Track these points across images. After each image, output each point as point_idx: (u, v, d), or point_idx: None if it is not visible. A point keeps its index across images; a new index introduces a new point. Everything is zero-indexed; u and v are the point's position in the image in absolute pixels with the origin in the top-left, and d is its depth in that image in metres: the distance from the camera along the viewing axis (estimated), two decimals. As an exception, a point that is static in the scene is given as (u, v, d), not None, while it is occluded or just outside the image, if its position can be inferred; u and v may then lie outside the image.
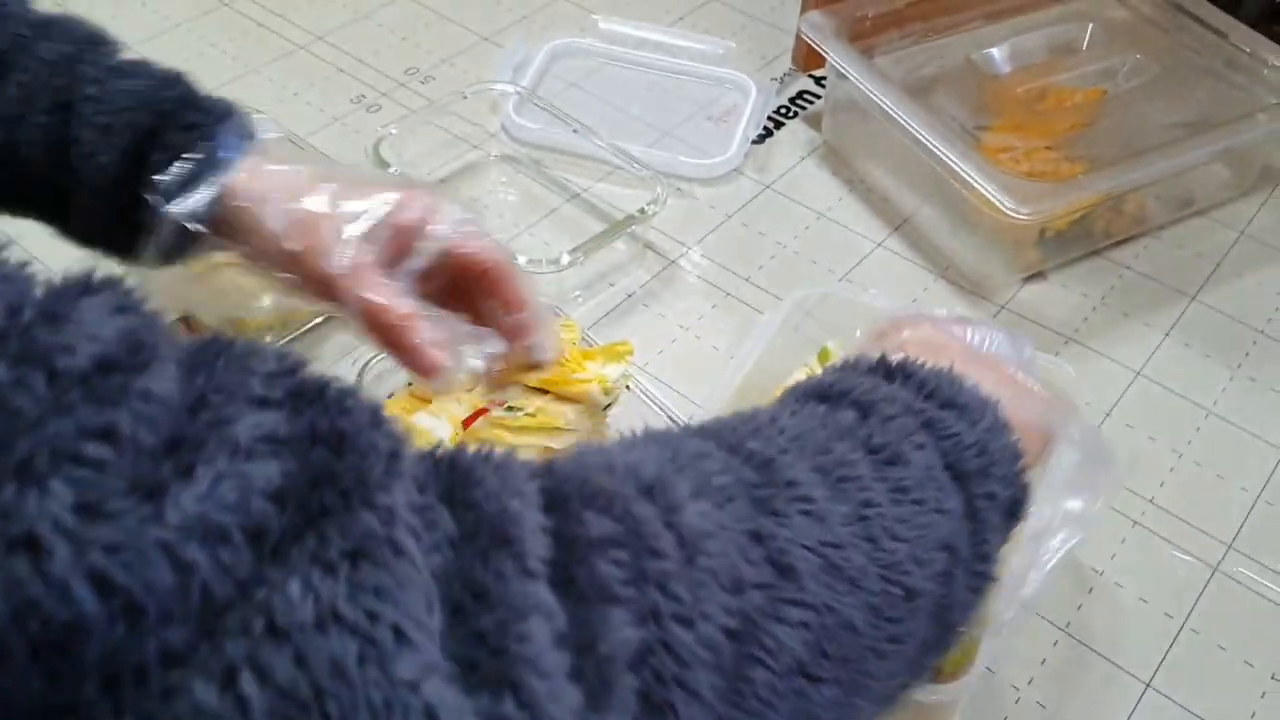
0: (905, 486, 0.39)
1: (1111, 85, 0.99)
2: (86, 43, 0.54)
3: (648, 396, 0.76)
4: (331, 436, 0.29)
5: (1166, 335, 0.87)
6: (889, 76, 0.92)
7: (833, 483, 0.38)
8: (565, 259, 0.83)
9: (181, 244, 0.52)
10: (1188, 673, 0.67)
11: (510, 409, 0.70)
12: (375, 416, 0.30)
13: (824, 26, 0.96)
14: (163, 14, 1.16)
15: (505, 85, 1.03)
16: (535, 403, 0.69)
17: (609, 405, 0.72)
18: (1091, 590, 0.71)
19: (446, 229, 0.51)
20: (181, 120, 0.53)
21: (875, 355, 0.45)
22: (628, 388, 0.75)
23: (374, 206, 0.50)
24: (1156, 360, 0.85)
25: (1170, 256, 0.93)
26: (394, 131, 0.95)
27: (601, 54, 1.11)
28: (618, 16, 1.14)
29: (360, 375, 0.74)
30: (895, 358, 0.45)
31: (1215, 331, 0.87)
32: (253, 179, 0.52)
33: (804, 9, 1.04)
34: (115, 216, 0.53)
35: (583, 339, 0.72)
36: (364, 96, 1.06)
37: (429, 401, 0.73)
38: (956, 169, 0.84)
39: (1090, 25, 1.04)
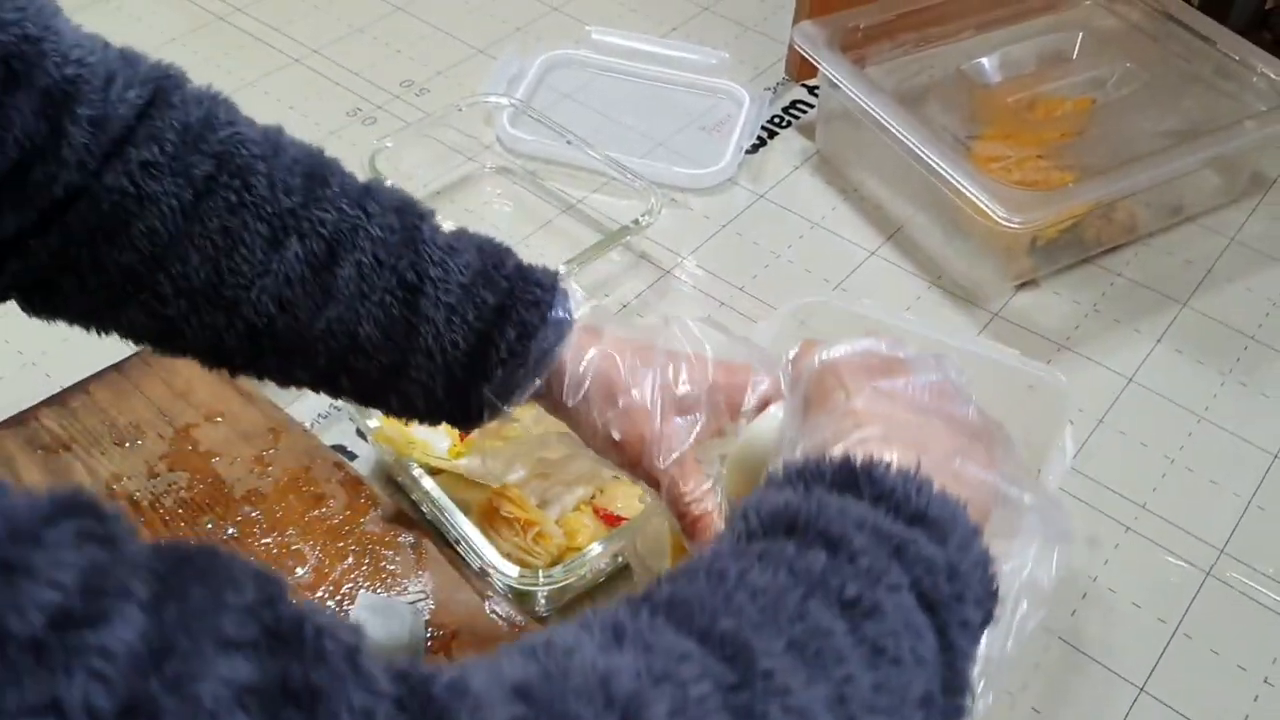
0: (882, 647, 0.38)
1: (1101, 94, 1.00)
2: (408, 214, 0.54)
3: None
4: (304, 694, 0.27)
5: (1158, 342, 0.87)
6: (881, 86, 0.93)
7: (810, 658, 0.37)
8: (561, 270, 0.83)
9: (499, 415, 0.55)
10: (1181, 677, 0.67)
11: (507, 419, 0.70)
12: (352, 659, 0.28)
13: (816, 37, 0.96)
14: (158, 29, 1.16)
15: (500, 97, 1.03)
16: (531, 413, 0.70)
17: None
18: (1085, 595, 0.71)
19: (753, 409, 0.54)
20: (526, 297, 0.54)
21: (837, 454, 0.43)
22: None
23: (696, 402, 0.54)
24: (1148, 367, 0.85)
25: (1161, 263, 0.94)
26: (389, 144, 0.95)
27: (595, 65, 1.12)
28: (611, 28, 1.15)
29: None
30: (859, 458, 0.43)
31: (1206, 337, 0.88)
32: (577, 365, 0.54)
33: (797, 19, 1.04)
34: (447, 391, 0.53)
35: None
36: (360, 109, 1.07)
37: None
38: (948, 178, 0.84)
39: (1080, 34, 1.04)
